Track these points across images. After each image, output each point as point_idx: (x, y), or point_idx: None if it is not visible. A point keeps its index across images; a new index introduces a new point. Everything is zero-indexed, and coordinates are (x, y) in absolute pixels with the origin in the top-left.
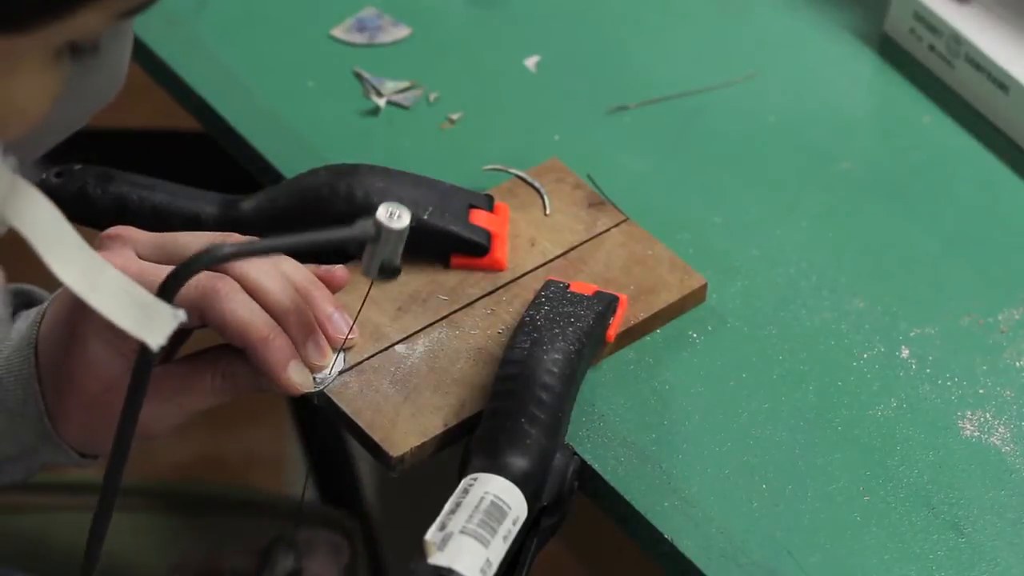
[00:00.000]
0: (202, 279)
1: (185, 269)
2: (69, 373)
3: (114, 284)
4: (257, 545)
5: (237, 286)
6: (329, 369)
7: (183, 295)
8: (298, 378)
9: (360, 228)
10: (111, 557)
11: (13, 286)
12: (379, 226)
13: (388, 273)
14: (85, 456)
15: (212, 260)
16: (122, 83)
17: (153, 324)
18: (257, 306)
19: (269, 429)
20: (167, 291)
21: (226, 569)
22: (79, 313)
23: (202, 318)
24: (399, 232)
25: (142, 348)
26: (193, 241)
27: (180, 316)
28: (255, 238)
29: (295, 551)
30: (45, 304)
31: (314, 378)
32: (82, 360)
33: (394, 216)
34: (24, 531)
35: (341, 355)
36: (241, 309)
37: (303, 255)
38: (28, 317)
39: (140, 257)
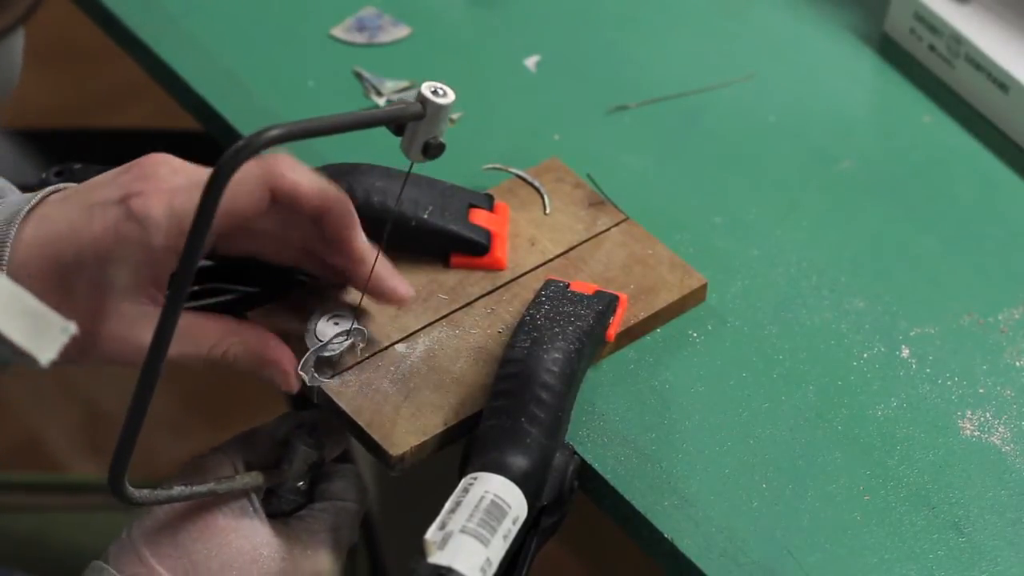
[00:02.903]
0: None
1: (241, 151)
2: (69, 284)
3: (3, 291)
4: (274, 438)
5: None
6: (351, 324)
7: (249, 179)
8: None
9: (406, 106)
10: None
11: None
12: (425, 101)
13: (433, 151)
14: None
15: (263, 143)
16: (15, 84)
17: (43, 337)
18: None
19: None
20: (224, 172)
21: (239, 464)
22: (105, 235)
23: (275, 191)
24: (445, 107)
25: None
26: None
27: (71, 330)
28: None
29: (316, 440)
30: (30, 202)
31: (323, 361)
32: (92, 280)
33: (439, 92)
34: (24, 531)
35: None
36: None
37: None
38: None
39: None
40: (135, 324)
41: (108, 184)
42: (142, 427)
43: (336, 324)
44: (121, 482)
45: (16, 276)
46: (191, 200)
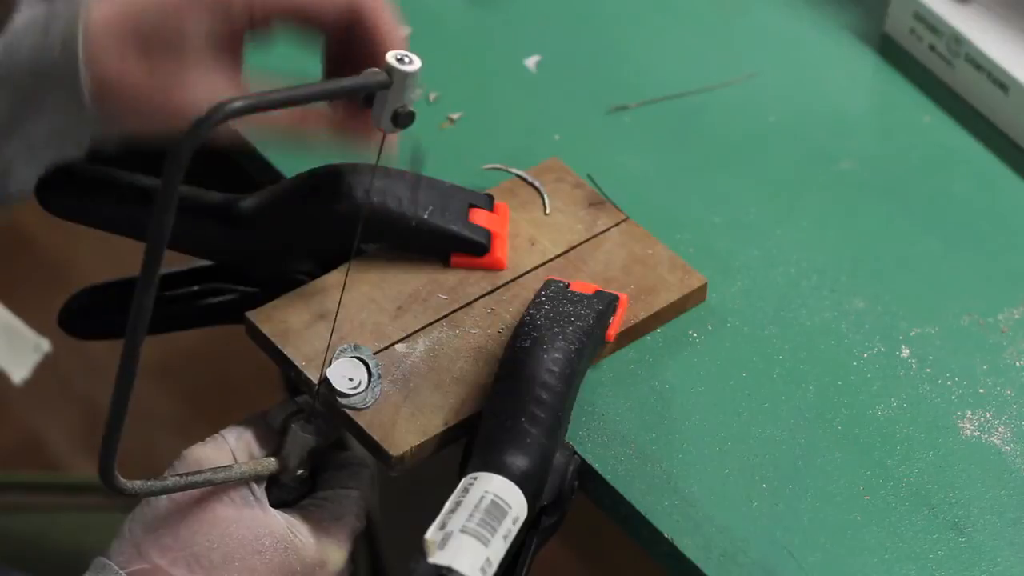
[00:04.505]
0: None
1: (203, 122)
2: (150, 50)
3: None
4: (272, 426)
5: None
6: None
7: None
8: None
9: (373, 75)
10: None
11: None
12: (390, 70)
13: (403, 120)
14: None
15: (225, 115)
16: None
17: (16, 353)
18: None
19: None
20: (186, 146)
21: (238, 453)
22: None
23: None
24: (412, 74)
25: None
26: None
27: (44, 347)
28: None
29: (314, 427)
30: None
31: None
32: (172, 45)
33: (404, 60)
34: (24, 531)
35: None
36: None
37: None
38: None
39: None
40: (207, 83)
41: None
42: (127, 416)
43: (355, 359)
44: (111, 473)
45: (95, 41)
46: None
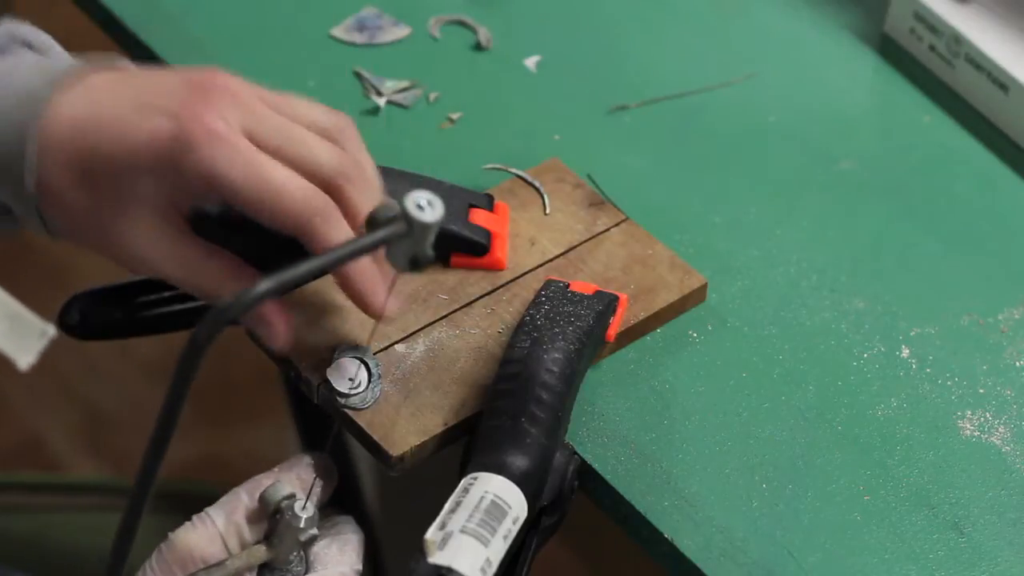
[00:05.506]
0: (309, 197)
1: (217, 318)
2: (95, 178)
3: None
4: (265, 509)
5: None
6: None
7: (290, 211)
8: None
9: (391, 229)
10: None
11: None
12: (411, 220)
13: (422, 264)
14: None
15: (250, 301)
16: None
17: (22, 340)
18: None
19: (269, 429)
20: (203, 337)
21: (230, 541)
22: (148, 145)
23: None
24: (431, 225)
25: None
26: (308, 115)
27: (49, 332)
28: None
29: (309, 517)
30: (69, 67)
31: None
32: (119, 183)
33: (423, 207)
34: (24, 531)
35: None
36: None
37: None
38: (37, 67)
39: (251, 138)
40: (143, 238)
41: (168, 92)
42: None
43: (355, 359)
44: None
45: (49, 143)
46: (232, 153)
